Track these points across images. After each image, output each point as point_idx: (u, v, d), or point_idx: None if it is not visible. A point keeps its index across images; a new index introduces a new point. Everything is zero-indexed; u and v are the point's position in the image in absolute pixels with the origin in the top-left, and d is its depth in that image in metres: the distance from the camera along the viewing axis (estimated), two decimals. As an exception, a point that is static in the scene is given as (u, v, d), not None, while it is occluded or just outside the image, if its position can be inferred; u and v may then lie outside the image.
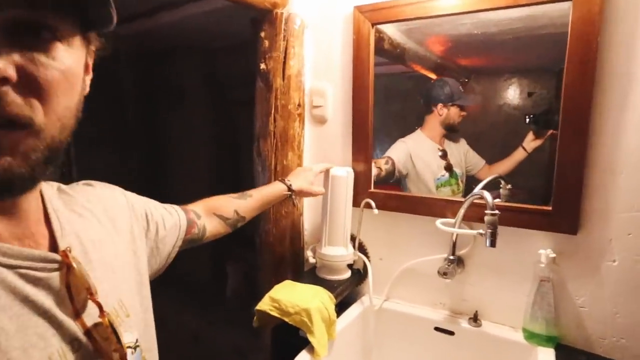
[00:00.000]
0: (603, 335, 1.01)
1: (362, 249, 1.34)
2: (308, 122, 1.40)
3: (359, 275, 1.32)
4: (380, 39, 1.24)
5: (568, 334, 1.04)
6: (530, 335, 1.04)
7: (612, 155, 0.95)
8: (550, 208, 1.02)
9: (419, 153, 1.30)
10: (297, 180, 1.14)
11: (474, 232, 1.04)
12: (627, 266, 0.97)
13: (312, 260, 1.34)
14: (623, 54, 0.91)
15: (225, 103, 2.69)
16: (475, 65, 1.26)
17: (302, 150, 1.39)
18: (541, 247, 1.04)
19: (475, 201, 1.06)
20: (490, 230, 0.94)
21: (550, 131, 1.05)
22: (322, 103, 1.35)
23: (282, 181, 1.11)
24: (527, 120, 1.12)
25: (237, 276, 2.54)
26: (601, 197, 0.97)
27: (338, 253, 1.25)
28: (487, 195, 0.96)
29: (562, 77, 0.96)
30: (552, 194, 1.02)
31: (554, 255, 1.02)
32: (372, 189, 1.30)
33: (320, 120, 1.38)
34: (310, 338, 0.98)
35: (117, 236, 0.59)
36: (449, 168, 1.26)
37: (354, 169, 1.28)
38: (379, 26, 1.22)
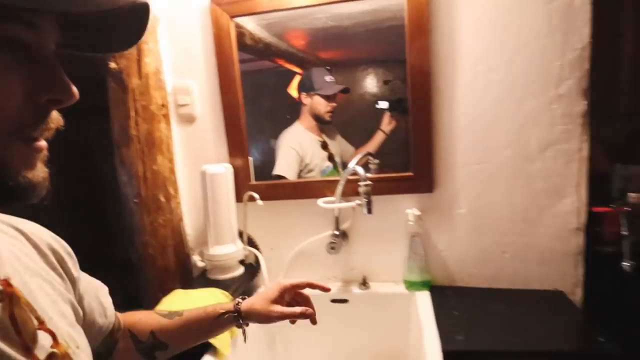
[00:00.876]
0: (460, 270, 1.23)
1: (251, 242, 1.34)
2: (175, 122, 1.32)
3: (252, 269, 1.32)
4: (241, 34, 1.24)
5: (437, 276, 1.24)
6: (410, 285, 1.20)
7: (450, 124, 1.16)
8: (411, 174, 1.19)
9: (302, 145, 1.34)
10: (253, 298, 0.77)
11: (353, 203, 1.14)
12: (471, 211, 1.20)
13: (200, 264, 1.28)
14: (446, 40, 1.11)
15: (76, 110, 2.31)
16: (335, 58, 1.36)
17: (172, 152, 1.30)
18: (408, 208, 1.20)
19: (350, 178, 1.17)
20: (366, 200, 1.05)
21: (405, 114, 1.21)
22: (188, 101, 1.29)
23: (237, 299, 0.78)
24: (383, 105, 1.27)
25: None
26: (448, 158, 1.18)
27: (227, 251, 1.22)
28: (360, 169, 1.07)
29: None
30: (411, 162, 1.19)
31: (419, 213, 1.19)
32: (253, 182, 1.31)
33: (189, 119, 1.32)
34: (211, 340, 0.94)
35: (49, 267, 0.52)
36: (331, 158, 1.35)
37: (232, 165, 1.26)
38: (239, 21, 1.22)
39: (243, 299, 0.75)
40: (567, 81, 1.08)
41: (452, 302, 1.13)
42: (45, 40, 0.35)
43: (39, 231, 0.52)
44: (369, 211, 1.04)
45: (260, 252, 1.32)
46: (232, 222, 1.24)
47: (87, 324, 0.56)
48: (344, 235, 1.26)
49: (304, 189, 1.27)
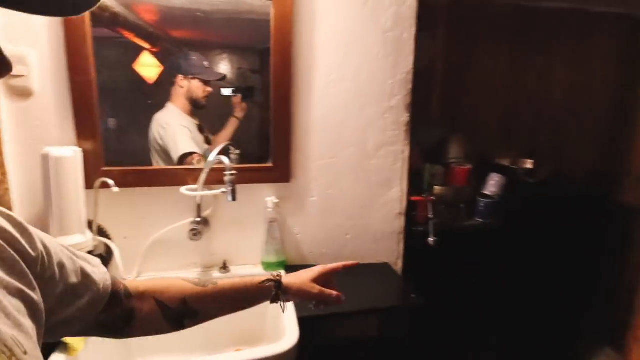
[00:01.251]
0: (312, 250, 1.41)
1: (102, 232, 1.25)
2: (3, 96, 1.13)
3: (103, 259, 1.24)
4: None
5: (291, 257, 1.39)
6: (267, 266, 1.33)
7: (307, 123, 1.31)
8: (271, 165, 1.30)
9: (177, 126, 1.30)
10: (293, 275, 0.76)
11: (218, 191, 1.19)
12: (321, 199, 1.38)
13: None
14: (307, 46, 1.25)
15: None
16: (189, 38, 1.32)
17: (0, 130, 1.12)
18: (267, 196, 1.32)
19: (213, 167, 1.21)
20: (231, 188, 1.11)
21: (256, 101, 1.30)
22: (24, 72, 1.12)
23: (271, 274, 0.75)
24: (227, 92, 1.32)
25: None
26: (304, 152, 1.33)
27: (74, 242, 1.12)
28: (225, 159, 1.13)
29: (266, 55, 1.22)
30: (270, 154, 1.30)
31: (277, 200, 1.32)
32: (106, 167, 1.22)
33: (24, 93, 1.15)
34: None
35: None
36: (208, 141, 1.34)
37: (80, 148, 1.16)
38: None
39: (276, 279, 0.71)
40: (396, 96, 1.35)
41: (304, 279, 1.30)
42: None
43: None
44: (234, 198, 1.12)
45: (112, 241, 1.25)
46: (80, 210, 1.14)
47: (63, 292, 0.50)
48: (205, 222, 1.30)
49: (166, 177, 1.25)
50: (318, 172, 1.36)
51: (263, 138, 1.34)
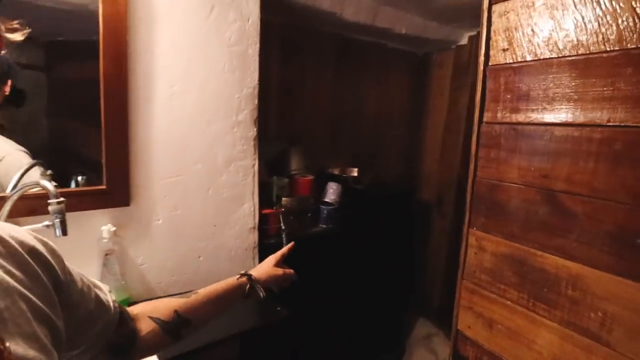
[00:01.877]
0: (160, 280, 1.26)
1: None
2: None
3: None
4: None
5: (136, 292, 1.21)
6: (108, 307, 1.11)
7: (148, 138, 1.17)
8: (105, 187, 1.11)
9: None
10: (258, 268, 0.89)
11: (40, 225, 0.94)
12: (168, 221, 1.25)
13: None
14: (145, 56, 1.13)
15: None
16: None
17: None
18: (102, 224, 1.11)
19: (25, 193, 0.95)
20: (59, 219, 0.89)
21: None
22: None
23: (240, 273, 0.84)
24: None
25: None
26: (145, 171, 1.18)
27: None
28: (48, 184, 0.90)
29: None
30: (104, 175, 1.11)
31: (114, 228, 1.13)
32: None
33: None
34: None
35: None
36: None
37: None
38: None
39: (245, 273, 0.83)
40: (244, 111, 1.35)
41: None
42: None
43: (19, 234, 0.44)
44: (64, 232, 0.89)
45: None
46: None
47: (82, 319, 0.51)
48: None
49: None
50: (163, 191, 1.23)
51: (93, 156, 1.13)
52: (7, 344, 0.36)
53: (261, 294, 0.82)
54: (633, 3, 0.74)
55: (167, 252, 1.27)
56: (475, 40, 2.09)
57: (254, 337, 1.17)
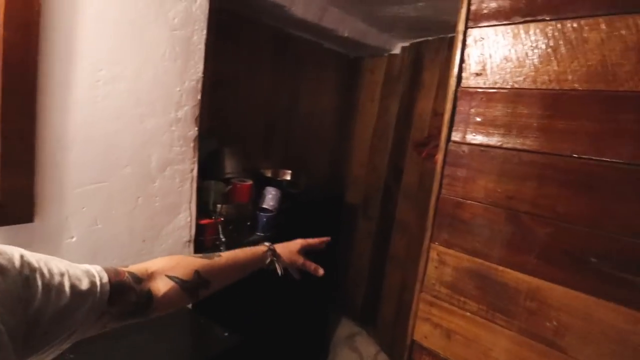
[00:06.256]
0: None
1: None
2: None
3: None
4: None
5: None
6: None
7: (63, 132, 0.91)
8: None
9: None
10: (282, 246, 0.89)
11: None
12: (85, 238, 1.01)
13: None
14: (63, 29, 0.87)
15: None
16: None
17: None
18: (-5, 248, 0.84)
19: None
20: None
21: None
22: None
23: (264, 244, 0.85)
24: None
25: None
26: (56, 176, 0.92)
27: None
28: None
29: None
30: (-2, 181, 0.83)
31: (12, 251, 0.86)
32: None
33: None
34: None
35: None
36: None
37: None
38: None
39: (270, 246, 0.85)
40: (184, 107, 1.15)
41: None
42: None
43: None
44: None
45: None
46: None
47: (54, 317, 0.48)
48: None
49: None
50: (79, 202, 0.98)
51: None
52: None
53: (279, 272, 0.84)
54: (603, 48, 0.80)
55: (83, 276, 1.02)
56: (407, 51, 2.16)
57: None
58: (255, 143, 2.02)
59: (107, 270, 0.57)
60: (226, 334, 1.07)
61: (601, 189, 0.82)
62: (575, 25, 0.82)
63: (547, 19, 0.86)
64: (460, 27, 0.99)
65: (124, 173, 1.06)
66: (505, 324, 0.97)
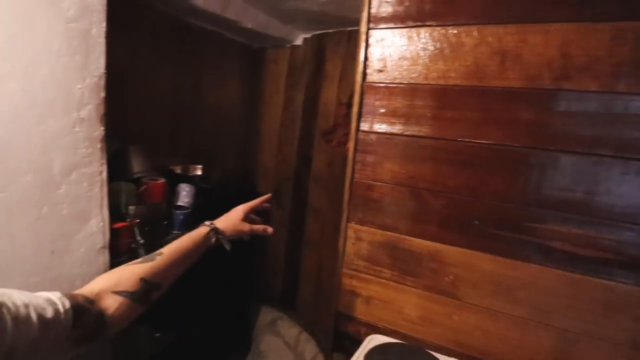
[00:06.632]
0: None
1: None
2: None
3: None
4: None
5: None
6: None
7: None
8: None
9: None
10: (223, 219, 0.87)
11: None
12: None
13: None
14: None
15: None
16: None
17: None
18: None
19: None
20: None
21: None
22: None
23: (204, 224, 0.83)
24: None
25: None
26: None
27: None
28: None
29: None
30: None
31: None
32: None
33: None
34: None
35: None
36: None
37: None
38: None
39: (211, 223, 0.83)
40: (87, 106, 1.07)
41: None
42: None
43: None
44: None
45: None
46: None
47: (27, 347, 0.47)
48: None
49: None
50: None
51: None
52: None
53: (227, 247, 0.83)
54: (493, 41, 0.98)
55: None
56: (310, 42, 2.25)
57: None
58: (161, 139, 1.93)
59: (65, 296, 0.56)
60: (157, 334, 1.06)
61: (479, 165, 1.02)
62: (455, 31, 0.99)
63: (434, 24, 1.02)
64: (363, 28, 1.11)
65: (24, 181, 0.95)
66: (413, 284, 1.15)
